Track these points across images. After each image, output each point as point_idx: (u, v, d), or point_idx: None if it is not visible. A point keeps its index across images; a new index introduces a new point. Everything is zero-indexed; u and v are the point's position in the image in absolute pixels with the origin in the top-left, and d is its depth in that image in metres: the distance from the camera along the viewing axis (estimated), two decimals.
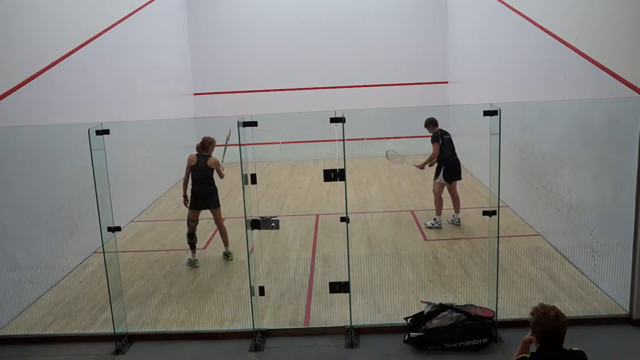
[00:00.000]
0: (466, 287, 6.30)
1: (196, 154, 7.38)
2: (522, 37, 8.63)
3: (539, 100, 7.80)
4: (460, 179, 8.79)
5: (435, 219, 8.56)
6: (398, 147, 14.65)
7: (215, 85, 14.76)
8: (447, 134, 8.61)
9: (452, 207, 8.72)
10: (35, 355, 5.33)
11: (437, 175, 8.57)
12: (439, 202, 8.56)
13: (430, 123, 8.65)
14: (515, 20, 8.71)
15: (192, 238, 7.39)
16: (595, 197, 6.16)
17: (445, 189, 8.67)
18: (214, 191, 7.40)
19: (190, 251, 7.44)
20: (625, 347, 5.07)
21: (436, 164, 8.62)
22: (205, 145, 7.37)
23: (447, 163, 8.51)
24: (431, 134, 8.64)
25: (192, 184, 7.35)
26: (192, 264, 7.36)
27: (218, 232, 7.74)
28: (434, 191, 8.68)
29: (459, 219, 8.66)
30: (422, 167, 8.85)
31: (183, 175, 7.47)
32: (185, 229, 7.53)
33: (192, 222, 7.42)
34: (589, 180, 6.28)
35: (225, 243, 7.59)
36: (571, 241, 6.77)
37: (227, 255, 7.58)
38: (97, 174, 5.12)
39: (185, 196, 7.44)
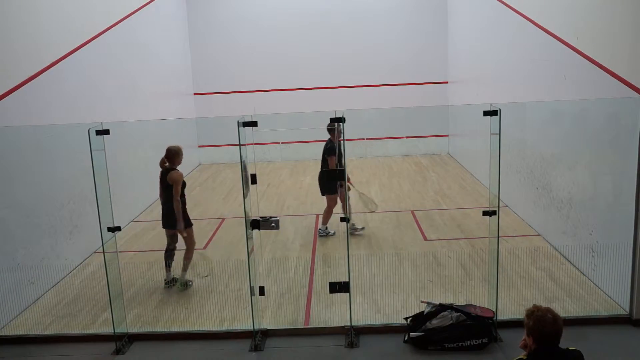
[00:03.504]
0: (466, 287, 6.30)
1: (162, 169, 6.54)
2: (522, 37, 8.63)
3: (539, 100, 7.80)
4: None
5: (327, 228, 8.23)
6: (398, 147, 14.76)
7: (215, 85, 14.76)
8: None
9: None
10: (35, 355, 5.33)
11: (338, 187, 7.78)
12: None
13: (332, 130, 7.50)
14: (515, 20, 8.71)
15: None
16: (595, 197, 6.15)
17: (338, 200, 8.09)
18: (172, 210, 6.45)
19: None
20: (625, 347, 5.06)
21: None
22: (169, 157, 6.49)
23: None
24: (329, 141, 7.73)
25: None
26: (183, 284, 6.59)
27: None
28: (333, 205, 8.09)
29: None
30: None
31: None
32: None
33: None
34: (589, 180, 6.28)
35: (184, 267, 6.60)
36: (571, 241, 6.76)
37: (180, 284, 6.57)
38: (97, 174, 5.11)
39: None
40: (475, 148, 11.53)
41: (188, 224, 6.60)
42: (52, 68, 7.30)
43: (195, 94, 14.81)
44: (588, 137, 6.32)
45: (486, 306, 5.40)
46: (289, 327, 5.61)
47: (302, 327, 5.62)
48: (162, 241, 8.47)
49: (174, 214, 6.44)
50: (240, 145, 5.08)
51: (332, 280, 5.55)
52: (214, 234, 8.63)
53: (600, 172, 6.04)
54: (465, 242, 7.84)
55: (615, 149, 5.71)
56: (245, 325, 5.50)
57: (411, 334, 5.14)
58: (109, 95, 9.20)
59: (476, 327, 5.06)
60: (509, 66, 9.37)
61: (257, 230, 5.40)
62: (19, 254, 6.28)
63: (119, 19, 9.76)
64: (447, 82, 14.41)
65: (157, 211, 10.23)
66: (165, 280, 6.68)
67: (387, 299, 6.01)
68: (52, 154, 7.04)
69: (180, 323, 5.78)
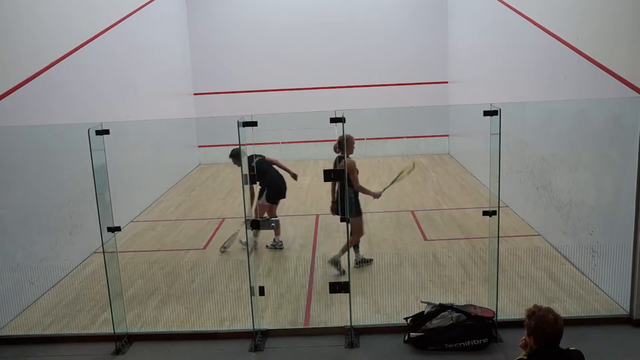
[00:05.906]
0: (466, 287, 6.30)
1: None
2: (522, 37, 8.63)
3: (539, 100, 7.80)
4: (284, 197, 7.89)
5: (275, 240, 7.81)
6: (398, 147, 14.77)
7: (215, 85, 14.76)
8: (258, 156, 7.66)
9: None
10: (35, 356, 5.32)
11: (260, 196, 7.62)
12: None
13: (234, 156, 7.38)
14: (515, 20, 8.71)
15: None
16: (595, 197, 6.15)
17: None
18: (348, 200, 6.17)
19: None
20: (625, 347, 5.06)
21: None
22: (340, 145, 6.42)
23: (270, 184, 7.65)
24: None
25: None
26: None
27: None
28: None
29: (282, 242, 7.84)
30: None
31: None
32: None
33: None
34: (589, 180, 6.28)
35: (342, 250, 6.65)
36: (571, 241, 6.76)
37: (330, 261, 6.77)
38: (97, 174, 5.11)
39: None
40: (475, 148, 11.53)
41: (356, 212, 6.63)
42: (52, 68, 7.30)
43: (195, 94, 14.80)
44: (588, 137, 6.32)
45: (486, 306, 5.39)
46: (289, 327, 5.60)
47: (302, 327, 5.61)
48: (162, 241, 8.52)
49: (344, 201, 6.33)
50: (240, 145, 5.08)
51: (332, 281, 5.55)
52: (213, 234, 8.63)
53: (601, 172, 6.04)
54: (465, 242, 7.84)
55: (615, 149, 5.70)
56: (245, 325, 5.49)
57: (411, 334, 5.14)
58: (108, 95, 9.20)
59: (476, 327, 5.06)
60: (509, 66, 9.37)
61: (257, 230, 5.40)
62: (18, 254, 6.28)
63: (118, 19, 9.76)
64: (447, 82, 14.41)
65: (157, 211, 10.30)
66: (355, 260, 6.92)
67: (387, 299, 6.01)
68: (52, 154, 7.03)
69: (180, 323, 5.78)
